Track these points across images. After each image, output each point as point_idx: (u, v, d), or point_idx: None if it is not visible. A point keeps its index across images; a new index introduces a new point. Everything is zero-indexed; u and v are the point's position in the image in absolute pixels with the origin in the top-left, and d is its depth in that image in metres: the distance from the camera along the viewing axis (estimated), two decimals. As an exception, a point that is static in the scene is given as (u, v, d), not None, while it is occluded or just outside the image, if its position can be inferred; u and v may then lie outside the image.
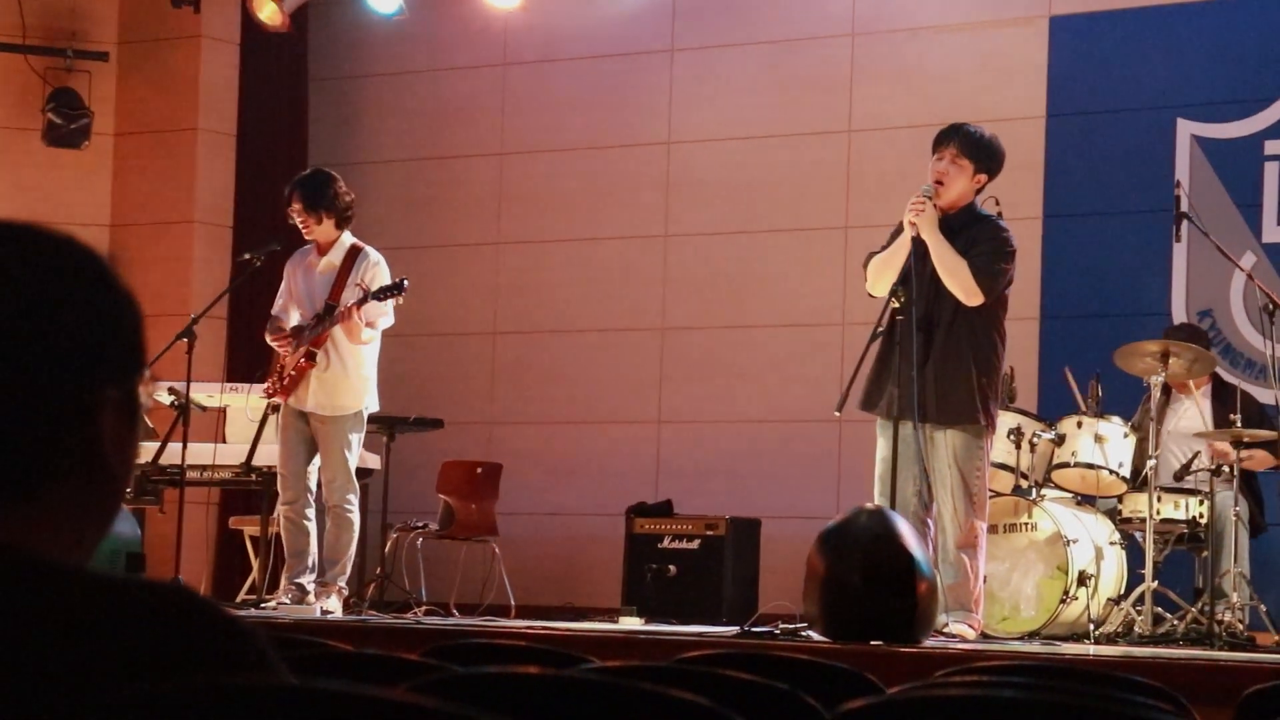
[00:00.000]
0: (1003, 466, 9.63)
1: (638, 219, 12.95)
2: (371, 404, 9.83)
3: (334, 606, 9.63)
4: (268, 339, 9.83)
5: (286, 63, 13.68)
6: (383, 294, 9.58)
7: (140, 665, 1.58)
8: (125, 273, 1.83)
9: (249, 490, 11.53)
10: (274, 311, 9.92)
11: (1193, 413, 10.16)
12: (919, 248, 8.22)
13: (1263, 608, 9.55)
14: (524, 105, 13.33)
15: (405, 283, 9.60)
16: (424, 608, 10.72)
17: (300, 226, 9.81)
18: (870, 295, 8.38)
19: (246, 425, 10.94)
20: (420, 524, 11.71)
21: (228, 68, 13.61)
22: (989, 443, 8.45)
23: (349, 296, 9.64)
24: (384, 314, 9.68)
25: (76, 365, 1.77)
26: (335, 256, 9.78)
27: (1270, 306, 9.72)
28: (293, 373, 9.66)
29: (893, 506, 7.78)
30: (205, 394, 11.00)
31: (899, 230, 8.34)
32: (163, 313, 11.85)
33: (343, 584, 9.76)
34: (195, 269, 13.29)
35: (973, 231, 8.31)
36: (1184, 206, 10.32)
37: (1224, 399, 10.08)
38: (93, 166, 13.55)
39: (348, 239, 9.83)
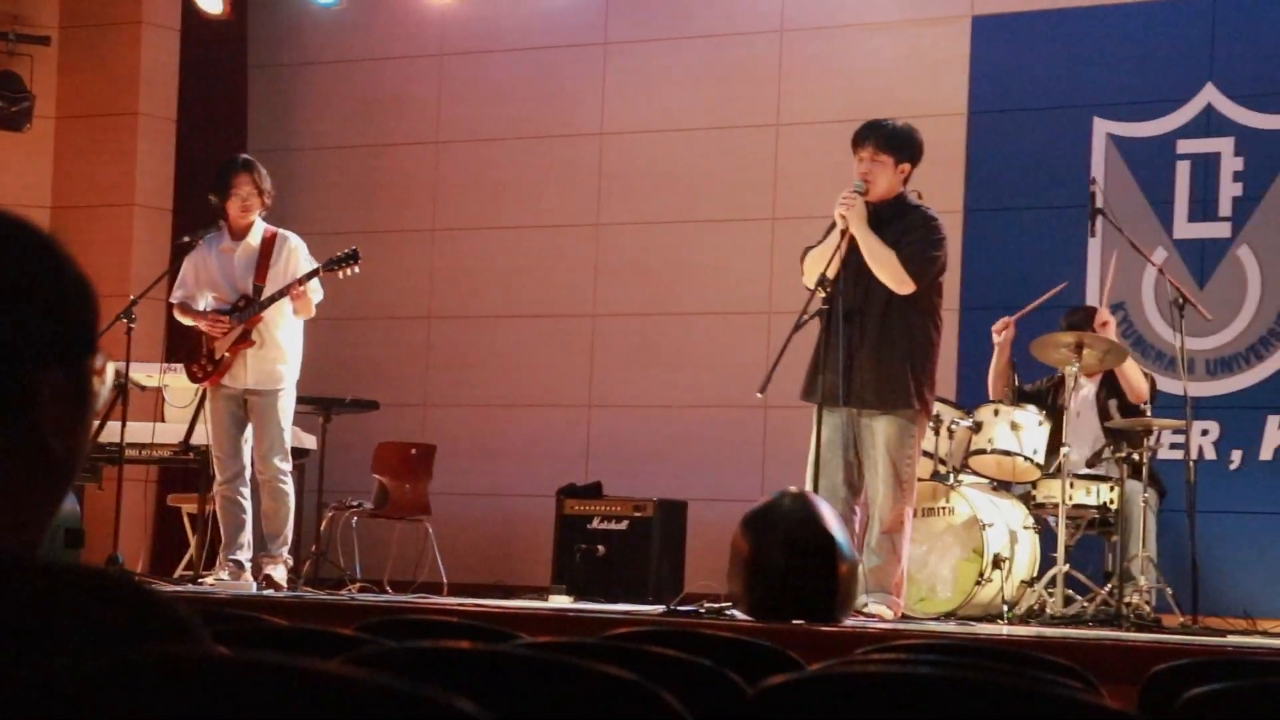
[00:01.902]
0: (922, 453, 9.78)
1: (571, 208, 13.01)
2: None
3: (281, 576, 9.78)
4: (199, 323, 9.86)
5: (226, 50, 13.67)
6: (336, 264, 9.86)
7: (69, 647, 1.52)
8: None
9: (187, 468, 11.64)
10: (179, 299, 10.00)
11: (1089, 400, 10.40)
12: (851, 241, 8.41)
13: (1169, 591, 9.69)
14: (460, 95, 13.37)
15: (357, 251, 9.91)
16: (358, 585, 10.80)
17: (243, 205, 9.94)
18: (806, 288, 8.47)
19: (184, 405, 11.07)
20: (355, 503, 11.79)
21: (168, 54, 13.59)
22: (922, 428, 8.61)
23: (275, 277, 9.82)
24: (318, 289, 9.92)
25: (10, 346, 1.69)
26: (254, 240, 9.96)
27: (1180, 300, 9.86)
28: (227, 353, 9.83)
29: (817, 491, 7.89)
30: (144, 374, 11.08)
31: (834, 225, 8.52)
32: (103, 294, 11.60)
33: (285, 554, 9.92)
34: (135, 251, 13.29)
35: (903, 221, 8.47)
36: (1099, 202, 10.52)
37: (1110, 384, 10.35)
38: (34, 149, 13.54)
39: (262, 224, 10.04)
